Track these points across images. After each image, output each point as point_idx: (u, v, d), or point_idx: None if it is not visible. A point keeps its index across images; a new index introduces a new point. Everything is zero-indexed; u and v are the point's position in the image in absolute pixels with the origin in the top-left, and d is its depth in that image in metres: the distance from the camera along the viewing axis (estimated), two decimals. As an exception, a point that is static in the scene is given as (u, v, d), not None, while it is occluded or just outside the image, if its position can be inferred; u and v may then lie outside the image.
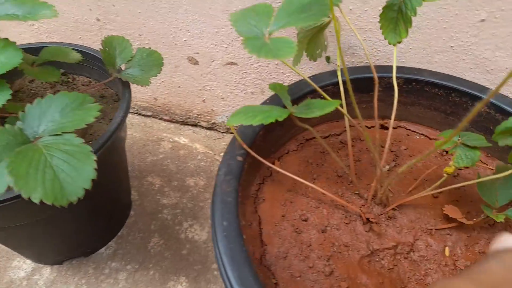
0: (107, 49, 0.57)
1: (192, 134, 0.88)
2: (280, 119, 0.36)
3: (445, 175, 0.43)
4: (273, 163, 0.53)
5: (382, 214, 0.46)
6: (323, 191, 0.44)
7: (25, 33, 0.78)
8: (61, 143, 0.43)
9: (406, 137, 0.56)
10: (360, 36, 0.60)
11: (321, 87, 0.53)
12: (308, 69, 0.68)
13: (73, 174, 0.42)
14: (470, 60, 0.59)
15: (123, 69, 0.58)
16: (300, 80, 0.53)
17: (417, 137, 0.58)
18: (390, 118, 0.58)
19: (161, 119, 0.89)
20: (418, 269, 0.43)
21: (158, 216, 0.74)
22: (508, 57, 0.56)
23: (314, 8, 0.38)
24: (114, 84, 0.62)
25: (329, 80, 0.53)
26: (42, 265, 0.68)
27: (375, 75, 0.48)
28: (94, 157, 0.42)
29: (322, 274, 0.40)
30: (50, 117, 0.45)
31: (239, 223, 0.37)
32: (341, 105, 0.50)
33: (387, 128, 0.59)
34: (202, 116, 0.85)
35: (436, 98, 0.55)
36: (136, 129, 0.88)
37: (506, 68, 0.57)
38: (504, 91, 0.59)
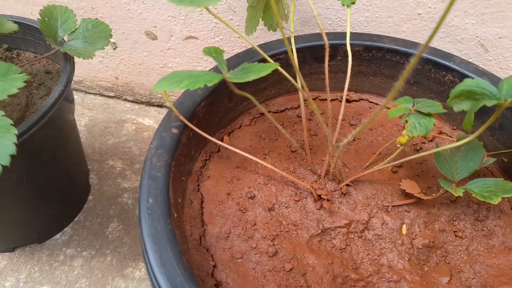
0: (46, 19, 0.53)
1: (157, 115, 0.84)
2: (210, 84, 0.33)
3: (398, 145, 0.39)
4: (222, 138, 0.49)
5: (335, 191, 0.42)
6: (271, 167, 0.40)
7: (-27, 8, 0.73)
8: (-21, 115, 0.39)
9: (368, 110, 0.53)
10: (322, 4, 0.56)
11: (272, 56, 0.49)
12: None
13: (-10, 149, 0.38)
14: (439, 29, 0.55)
15: (66, 41, 0.54)
16: (250, 48, 0.49)
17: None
18: (352, 90, 0.55)
19: (125, 99, 0.85)
20: (372, 248, 0.39)
21: (118, 200, 0.71)
22: (478, 24, 0.52)
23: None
24: (61, 58, 0.58)
25: (281, 48, 0.49)
26: (-8, 252, 0.65)
27: (326, 42, 0.44)
28: (15, 131, 0.38)
29: (265, 255, 0.37)
30: (-31, 88, 0.41)
31: (168, 200, 0.33)
32: (295, 76, 0.46)
33: (349, 101, 0.55)
34: (167, 96, 0.81)
35: (398, 66, 0.51)
36: (98, 110, 0.84)
37: (477, 36, 0.54)
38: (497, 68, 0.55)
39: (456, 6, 0.52)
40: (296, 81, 0.44)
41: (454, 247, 0.40)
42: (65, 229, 0.67)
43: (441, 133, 0.50)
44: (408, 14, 0.54)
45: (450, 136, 0.49)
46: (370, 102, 0.54)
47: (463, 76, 0.46)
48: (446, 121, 0.51)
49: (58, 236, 0.66)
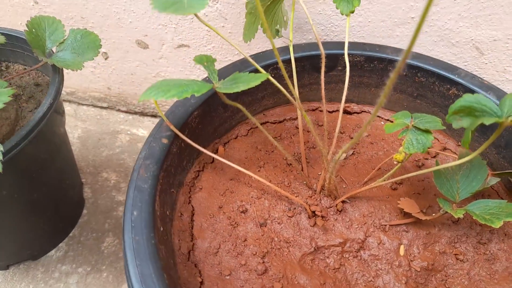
0: (34, 30, 0.52)
1: (151, 125, 0.82)
2: (198, 94, 0.32)
3: (395, 163, 0.38)
4: (217, 149, 0.48)
5: (330, 207, 0.41)
6: (264, 181, 0.39)
7: (-38, 20, 0.73)
8: (-38, 133, 0.38)
9: (370, 123, 0.51)
10: (314, 10, 0.55)
11: (269, 65, 0.48)
12: (265, 48, 0.63)
13: (-26, 167, 0.37)
14: (433, 33, 0.54)
15: (54, 52, 0.53)
16: (249, 56, 0.48)
17: (382, 123, 0.53)
18: (353, 102, 0.54)
19: (118, 110, 0.84)
20: (367, 269, 0.38)
21: (113, 214, 0.70)
22: (472, 27, 0.51)
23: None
24: (50, 70, 0.57)
25: (280, 57, 0.48)
26: (-14, 270, 0.64)
27: (323, 52, 0.43)
28: (0, 148, 0.37)
29: (254, 273, 0.36)
30: (-47, 105, 0.40)
31: (154, 213, 0.32)
32: (293, 86, 0.45)
33: (351, 113, 0.54)
34: (160, 106, 0.80)
35: (402, 78, 0.50)
36: (91, 122, 0.83)
37: (472, 39, 0.53)
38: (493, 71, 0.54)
39: (450, 9, 0.51)
40: (295, 91, 0.43)
41: (455, 271, 0.38)
42: (60, 244, 0.66)
43: (445, 149, 0.49)
44: (401, 18, 0.54)
45: (455, 153, 0.47)
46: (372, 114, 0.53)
47: (468, 90, 0.45)
48: (450, 136, 0.50)
49: (53, 252, 0.65)
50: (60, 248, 0.66)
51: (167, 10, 0.27)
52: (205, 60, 0.37)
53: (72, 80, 0.80)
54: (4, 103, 0.40)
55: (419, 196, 0.43)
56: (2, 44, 0.52)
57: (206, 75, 0.69)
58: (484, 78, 0.55)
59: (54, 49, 0.53)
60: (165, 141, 0.38)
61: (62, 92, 0.52)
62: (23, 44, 0.58)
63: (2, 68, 0.60)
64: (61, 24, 0.54)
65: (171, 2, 0.28)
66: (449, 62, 0.56)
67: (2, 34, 0.54)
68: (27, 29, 0.51)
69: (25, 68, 0.60)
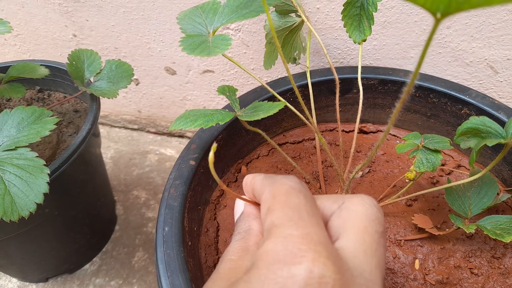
0: (74, 63, 0.57)
1: (178, 145, 0.87)
2: (222, 123, 0.35)
3: (407, 181, 0.40)
4: (240, 169, 0.51)
5: (347, 221, 0.43)
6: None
7: (9, 53, 0.80)
8: (15, 157, 0.43)
9: (385, 142, 0.54)
10: (331, 35, 0.59)
11: (288, 90, 0.51)
12: (285, 72, 0.66)
13: (25, 188, 0.41)
14: (447, 53, 0.56)
15: (92, 82, 0.58)
16: (268, 82, 0.51)
17: (397, 141, 0.55)
18: (369, 122, 0.56)
19: (148, 131, 0.89)
20: (383, 283, 0.40)
21: (143, 230, 0.73)
22: (485, 47, 0.53)
23: (254, 4, 0.36)
24: (88, 97, 0.62)
25: (298, 82, 0.51)
26: (28, 283, 0.68)
27: (336, 77, 0.46)
28: (48, 171, 0.42)
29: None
30: (6, 132, 0.45)
31: (183, 229, 0.35)
32: (310, 109, 0.48)
33: (367, 133, 0.56)
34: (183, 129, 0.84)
35: (415, 99, 0.52)
36: (123, 143, 0.88)
37: (485, 59, 0.54)
38: (508, 89, 0.55)
39: (462, 32, 0.53)
40: (311, 114, 0.46)
41: (470, 285, 0.39)
42: (94, 259, 0.69)
43: (459, 166, 0.50)
44: (414, 40, 0.56)
45: (469, 170, 0.48)
46: (388, 134, 0.55)
47: (479, 110, 0.47)
48: (464, 154, 0.51)
49: (87, 266, 0.69)
50: (94, 262, 0.69)
51: (194, 52, 0.31)
52: (227, 91, 0.40)
53: (105, 105, 0.85)
54: (50, 131, 0.44)
55: (433, 212, 0.44)
56: (45, 76, 0.57)
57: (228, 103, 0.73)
58: (499, 96, 0.57)
59: (91, 79, 0.57)
60: (192, 162, 0.42)
61: (97, 115, 0.57)
62: (63, 74, 0.63)
63: (44, 96, 0.66)
64: (98, 56, 0.58)
65: (197, 44, 0.32)
66: (464, 81, 0.58)
67: (46, 66, 0.59)
68: (68, 61, 0.56)
69: (65, 96, 0.66)
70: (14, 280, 0.68)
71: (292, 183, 0.25)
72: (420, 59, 0.23)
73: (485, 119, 0.33)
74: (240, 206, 0.30)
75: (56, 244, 0.61)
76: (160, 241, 0.34)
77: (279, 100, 0.46)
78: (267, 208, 0.24)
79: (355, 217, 0.24)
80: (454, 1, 0.15)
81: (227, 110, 0.38)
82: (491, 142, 0.30)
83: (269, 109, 0.35)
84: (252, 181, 0.28)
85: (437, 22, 0.20)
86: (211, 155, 0.22)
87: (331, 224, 0.25)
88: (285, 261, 0.20)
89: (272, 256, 0.21)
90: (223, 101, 0.75)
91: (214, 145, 0.23)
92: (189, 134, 0.86)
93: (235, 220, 0.30)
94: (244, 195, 0.30)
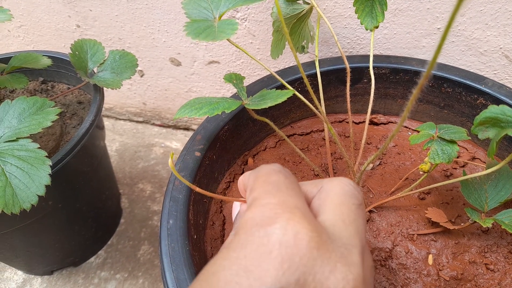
0: (77, 53, 0.56)
1: (184, 138, 0.86)
2: (228, 111, 0.34)
3: (421, 173, 0.38)
4: (247, 161, 0.50)
5: (358, 215, 0.42)
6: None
7: (12, 44, 0.79)
8: (16, 149, 0.42)
9: (396, 134, 0.52)
10: (340, 24, 0.57)
11: (296, 79, 0.50)
12: (292, 62, 0.65)
13: (26, 180, 0.40)
14: (460, 42, 0.54)
15: (95, 72, 0.57)
16: (276, 72, 0.50)
17: (409, 133, 0.53)
18: (380, 113, 0.55)
19: (153, 124, 0.88)
20: (395, 278, 0.38)
21: (149, 223, 0.73)
22: (500, 35, 0.51)
23: (261, -11, 0.35)
24: (91, 88, 0.61)
25: (306, 71, 0.50)
26: (33, 276, 0.68)
27: (348, 66, 0.44)
28: (49, 162, 0.41)
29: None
30: (7, 123, 0.44)
31: (188, 222, 0.34)
32: (319, 99, 0.47)
33: (377, 124, 0.55)
34: (192, 119, 0.83)
35: (428, 89, 0.50)
36: (128, 135, 0.87)
37: (500, 48, 0.52)
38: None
39: (476, 19, 0.51)
40: (320, 104, 0.44)
41: (485, 281, 0.37)
42: (99, 252, 0.69)
43: (474, 158, 0.48)
44: (427, 29, 0.54)
45: (484, 162, 0.47)
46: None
47: (495, 100, 0.45)
48: (479, 146, 0.49)
49: (92, 259, 0.68)
50: (100, 255, 0.69)
51: (199, 37, 0.29)
52: (234, 78, 0.39)
53: (110, 97, 0.84)
54: (52, 121, 0.43)
55: (447, 206, 0.43)
56: (48, 66, 0.56)
57: (235, 89, 0.71)
58: (514, 86, 0.55)
59: (95, 70, 0.56)
60: (197, 154, 0.40)
61: (101, 108, 0.56)
62: (67, 65, 0.62)
63: (48, 87, 0.65)
64: (101, 46, 0.57)
65: (202, 29, 0.30)
66: (478, 71, 0.56)
67: (49, 57, 0.58)
68: (71, 51, 0.55)
69: (68, 87, 0.65)
70: (20, 272, 0.68)
71: (273, 166, 0.26)
72: (439, 43, 0.21)
73: (505, 108, 0.31)
74: (236, 207, 0.31)
75: (61, 237, 0.60)
76: (165, 234, 0.33)
77: (287, 89, 0.44)
78: (250, 189, 0.25)
79: (333, 195, 0.25)
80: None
81: (234, 99, 0.37)
82: (512, 132, 0.29)
83: (277, 97, 0.34)
84: (243, 178, 0.29)
85: (460, 2, 0.18)
86: (170, 162, 0.24)
87: (312, 205, 0.26)
88: (261, 224, 0.21)
89: (250, 222, 0.22)
90: (228, 93, 0.74)
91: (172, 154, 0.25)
92: (195, 127, 0.85)
93: (233, 221, 0.31)
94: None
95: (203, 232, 0.40)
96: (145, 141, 0.86)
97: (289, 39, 0.31)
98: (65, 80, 0.65)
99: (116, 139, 0.87)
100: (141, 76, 0.77)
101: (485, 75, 0.56)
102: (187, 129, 0.86)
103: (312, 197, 0.26)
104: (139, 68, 0.75)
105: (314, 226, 0.21)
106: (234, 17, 0.61)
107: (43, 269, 0.66)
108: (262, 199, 0.23)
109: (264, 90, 0.37)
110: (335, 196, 0.25)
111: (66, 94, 0.63)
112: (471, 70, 0.55)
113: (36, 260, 0.64)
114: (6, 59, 0.60)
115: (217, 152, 0.43)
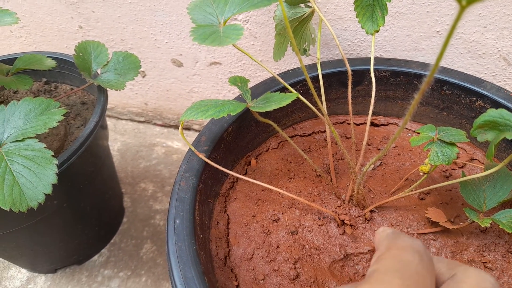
0: (81, 54, 0.56)
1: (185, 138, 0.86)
2: (233, 113, 0.34)
3: (421, 174, 0.39)
4: (250, 161, 0.50)
5: (359, 216, 0.43)
6: (293, 196, 0.41)
7: (14, 45, 0.79)
8: (23, 148, 0.42)
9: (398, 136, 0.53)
10: (341, 26, 0.58)
11: (299, 82, 0.51)
12: (293, 64, 0.65)
13: (33, 179, 0.41)
14: (459, 45, 0.55)
15: (99, 73, 0.57)
16: (278, 74, 0.51)
17: (409, 134, 0.54)
18: (380, 114, 0.55)
19: (154, 124, 0.88)
20: None
21: (151, 222, 0.73)
22: (498, 38, 0.52)
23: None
24: (95, 89, 0.62)
25: (309, 74, 0.50)
26: (37, 274, 0.68)
27: (349, 69, 0.45)
28: (56, 162, 0.41)
29: (287, 278, 0.38)
30: (14, 123, 0.44)
31: (194, 221, 0.35)
32: (321, 101, 0.48)
33: (378, 126, 0.56)
34: (196, 120, 0.83)
35: (428, 92, 0.51)
36: (129, 135, 0.88)
37: (498, 50, 0.53)
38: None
39: (475, 23, 0.52)
40: (322, 106, 0.45)
41: None
42: (102, 250, 0.69)
43: (472, 159, 0.49)
44: (426, 32, 0.55)
45: (482, 163, 0.48)
46: (399, 126, 0.54)
47: (493, 102, 0.46)
48: (478, 147, 0.50)
49: (96, 257, 0.69)
50: (103, 254, 0.70)
51: (205, 42, 0.30)
52: (238, 81, 0.40)
53: (112, 97, 0.85)
54: (57, 122, 0.44)
55: (446, 206, 0.43)
56: (52, 67, 0.57)
57: (236, 90, 0.72)
58: (512, 89, 0.56)
59: (99, 71, 0.57)
60: (202, 155, 0.41)
61: (103, 108, 0.56)
62: (70, 66, 0.63)
63: (51, 88, 0.65)
64: (105, 47, 0.58)
65: (208, 34, 0.31)
66: (476, 73, 0.57)
67: (52, 58, 0.59)
68: (74, 53, 0.55)
69: (72, 88, 0.65)
70: (24, 271, 0.69)
71: (412, 242, 0.23)
72: (442, 49, 0.22)
73: (503, 111, 0.32)
74: (380, 234, 0.28)
75: (65, 235, 0.61)
76: (172, 234, 0.34)
77: (290, 92, 0.45)
78: (376, 257, 0.23)
79: None
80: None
81: (238, 101, 0.38)
82: (511, 135, 0.30)
83: (281, 100, 0.34)
84: (379, 233, 0.26)
85: (462, 9, 0.19)
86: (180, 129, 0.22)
87: None
88: None
89: None
90: (230, 94, 0.75)
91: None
92: (196, 127, 0.86)
93: (375, 245, 0.28)
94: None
95: (208, 231, 0.41)
96: (146, 141, 0.86)
97: (294, 42, 0.32)
98: (68, 81, 0.65)
99: (118, 138, 0.87)
100: (143, 76, 0.78)
101: (483, 77, 0.57)
102: (188, 129, 0.87)
103: (443, 281, 0.23)
104: (141, 69, 0.76)
105: None
106: (236, 19, 0.62)
107: (47, 267, 0.67)
108: (385, 275, 0.20)
109: (268, 92, 0.38)
110: None
111: (70, 94, 0.63)
112: (470, 73, 0.56)
113: (40, 259, 0.64)
114: (9, 60, 0.61)
115: (221, 153, 0.43)
